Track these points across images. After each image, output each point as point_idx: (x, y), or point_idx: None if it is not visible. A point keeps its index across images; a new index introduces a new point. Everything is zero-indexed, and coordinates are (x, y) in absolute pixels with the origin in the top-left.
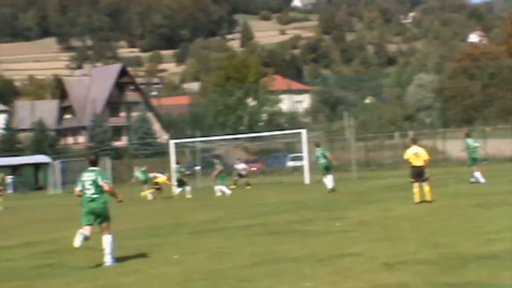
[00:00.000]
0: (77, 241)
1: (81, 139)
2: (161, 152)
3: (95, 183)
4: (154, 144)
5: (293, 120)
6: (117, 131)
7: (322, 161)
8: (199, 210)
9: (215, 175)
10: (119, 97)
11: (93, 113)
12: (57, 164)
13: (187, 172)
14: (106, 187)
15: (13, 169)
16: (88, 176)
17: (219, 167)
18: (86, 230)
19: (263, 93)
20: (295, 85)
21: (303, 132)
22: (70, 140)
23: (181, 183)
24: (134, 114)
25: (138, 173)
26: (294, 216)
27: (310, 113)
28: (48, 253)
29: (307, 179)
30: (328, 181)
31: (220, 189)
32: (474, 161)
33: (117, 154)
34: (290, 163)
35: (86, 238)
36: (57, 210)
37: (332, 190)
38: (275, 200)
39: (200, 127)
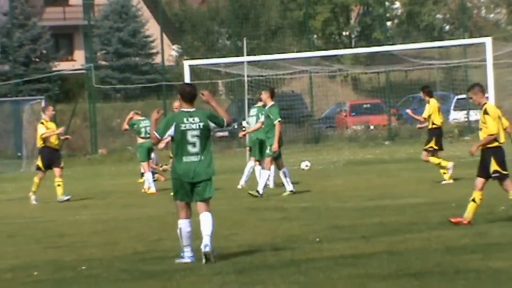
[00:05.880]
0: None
1: None
2: (159, 87)
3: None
4: (145, 69)
5: (463, 17)
6: (64, 38)
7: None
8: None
9: (243, 135)
10: None
11: None
12: None
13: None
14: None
15: None
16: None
17: (257, 124)
18: None
19: None
20: None
21: (487, 41)
22: None
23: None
24: None
25: (141, 123)
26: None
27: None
28: None
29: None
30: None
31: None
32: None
33: (65, 91)
34: (455, 115)
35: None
36: None
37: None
38: (419, 199)
39: (249, 31)
